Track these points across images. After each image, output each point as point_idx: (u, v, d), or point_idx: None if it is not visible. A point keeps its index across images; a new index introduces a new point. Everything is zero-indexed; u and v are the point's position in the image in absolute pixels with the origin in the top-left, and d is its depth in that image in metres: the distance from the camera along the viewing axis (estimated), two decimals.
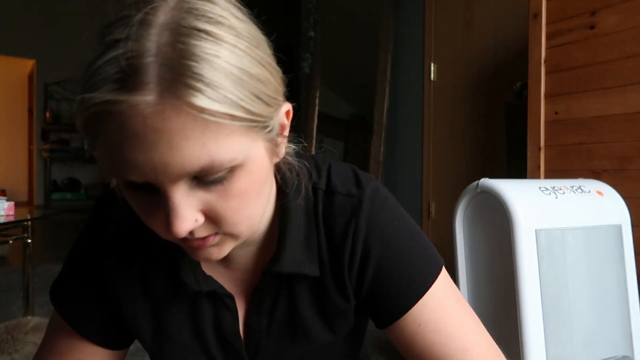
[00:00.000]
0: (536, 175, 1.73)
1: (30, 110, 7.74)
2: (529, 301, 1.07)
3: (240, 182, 0.43)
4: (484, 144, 2.84)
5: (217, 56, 0.38)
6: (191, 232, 0.44)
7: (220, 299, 0.56)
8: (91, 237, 0.59)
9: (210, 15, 0.40)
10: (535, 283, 1.08)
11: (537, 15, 1.74)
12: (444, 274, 0.58)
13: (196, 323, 0.57)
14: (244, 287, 0.58)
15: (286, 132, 0.50)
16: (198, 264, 0.56)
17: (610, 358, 1.14)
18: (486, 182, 1.16)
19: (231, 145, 0.40)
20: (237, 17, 0.42)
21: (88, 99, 0.38)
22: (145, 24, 0.38)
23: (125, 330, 0.60)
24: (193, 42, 0.38)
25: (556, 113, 1.70)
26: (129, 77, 0.37)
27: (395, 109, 3.35)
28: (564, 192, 1.20)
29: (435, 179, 3.16)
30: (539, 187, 1.19)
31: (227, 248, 0.48)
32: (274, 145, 0.47)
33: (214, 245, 0.47)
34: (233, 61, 0.39)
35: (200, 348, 0.58)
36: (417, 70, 3.24)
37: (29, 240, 1.91)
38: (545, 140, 1.73)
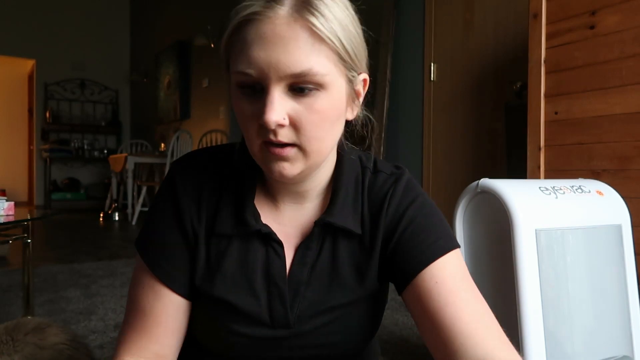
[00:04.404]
0: (536, 175, 1.73)
1: (30, 110, 7.74)
2: (529, 301, 1.06)
3: (322, 102, 0.55)
4: (484, 144, 2.84)
5: (331, 6, 0.55)
6: (276, 134, 0.55)
7: (272, 244, 0.65)
8: (169, 191, 0.67)
9: None
10: (535, 283, 1.08)
11: (537, 15, 1.73)
12: (460, 254, 0.66)
13: (248, 261, 0.65)
14: (294, 240, 0.67)
15: (361, 99, 0.64)
16: (258, 212, 0.65)
17: (610, 358, 1.14)
18: (486, 182, 1.16)
19: (326, 63, 0.54)
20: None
21: (242, 8, 0.55)
22: None
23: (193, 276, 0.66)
24: None
25: (556, 113, 1.70)
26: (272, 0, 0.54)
27: (395, 109, 3.35)
28: (564, 192, 1.20)
29: (435, 179, 3.16)
30: (539, 187, 1.19)
31: (296, 167, 0.58)
32: (351, 94, 0.61)
33: (288, 160, 0.57)
34: (340, 15, 0.56)
35: (247, 284, 0.64)
36: (417, 70, 3.23)
37: (29, 240, 1.91)
38: (545, 140, 1.73)
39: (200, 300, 0.66)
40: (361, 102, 0.65)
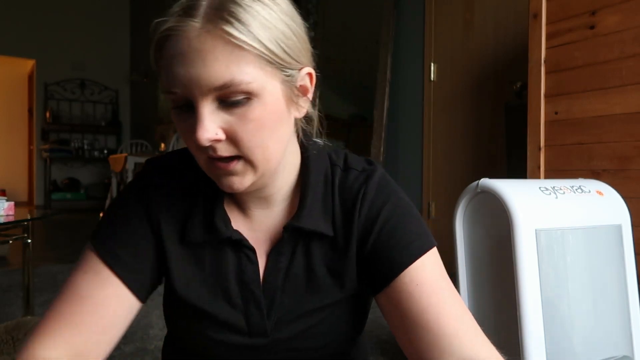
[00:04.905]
0: (536, 175, 1.73)
1: (30, 110, 7.74)
2: (529, 301, 1.06)
3: (256, 110, 0.53)
4: (484, 144, 2.84)
5: (250, 8, 0.52)
6: (215, 150, 0.54)
7: (244, 251, 0.63)
8: (140, 186, 0.66)
9: None
10: (535, 283, 1.08)
11: (537, 15, 1.73)
12: (436, 252, 0.64)
13: (221, 269, 0.64)
14: (265, 246, 0.65)
15: (309, 95, 0.60)
16: (229, 219, 0.63)
17: (610, 358, 1.14)
18: (486, 182, 1.16)
19: (249, 70, 0.52)
20: None
21: (159, 24, 0.53)
22: None
23: (153, 276, 0.65)
24: None
25: (556, 113, 1.70)
26: (186, 11, 0.52)
27: (395, 109, 3.35)
28: (564, 192, 1.20)
29: (435, 179, 3.16)
30: (539, 187, 1.18)
31: (246, 180, 0.57)
32: (292, 94, 0.57)
33: (236, 174, 0.56)
34: (263, 15, 0.52)
35: (221, 292, 0.64)
36: (417, 70, 3.23)
37: (29, 240, 1.91)
38: (545, 140, 1.73)
39: (177, 306, 0.65)
40: (310, 97, 0.61)
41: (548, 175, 1.72)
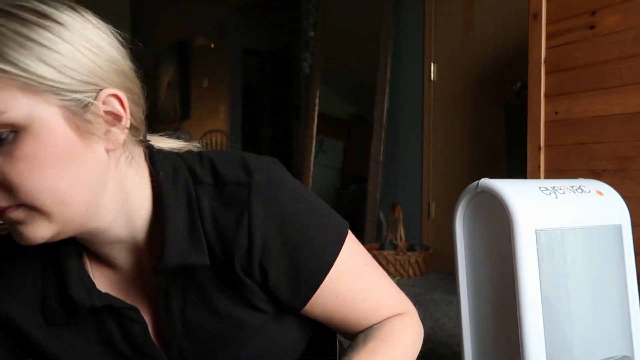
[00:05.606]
0: (536, 175, 1.73)
1: None
2: (529, 301, 1.07)
3: (25, 146, 0.44)
4: (484, 144, 2.84)
5: (5, 26, 0.43)
6: None
7: (122, 313, 0.55)
8: None
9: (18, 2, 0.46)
10: (535, 283, 1.08)
11: (537, 15, 1.73)
12: (350, 239, 0.59)
13: (106, 340, 0.56)
14: (149, 296, 0.57)
15: (124, 122, 0.50)
16: (92, 281, 0.55)
17: (610, 358, 1.14)
18: (486, 182, 1.16)
19: (3, 99, 0.43)
20: (60, 11, 0.47)
21: None
22: None
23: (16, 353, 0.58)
24: None
25: (556, 113, 1.70)
26: None
27: (395, 109, 3.35)
28: (564, 192, 1.20)
29: (435, 179, 3.16)
30: (539, 187, 1.19)
31: (41, 229, 0.47)
32: (84, 121, 0.47)
33: (24, 224, 0.47)
34: (18, 29, 0.44)
35: (118, 359, 0.57)
36: (417, 70, 3.24)
37: None
38: (545, 140, 1.73)
39: None
40: (127, 124, 0.50)
41: (548, 175, 1.72)
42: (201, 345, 0.57)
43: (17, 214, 0.46)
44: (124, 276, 0.57)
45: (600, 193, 1.26)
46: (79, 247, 0.56)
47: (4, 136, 0.44)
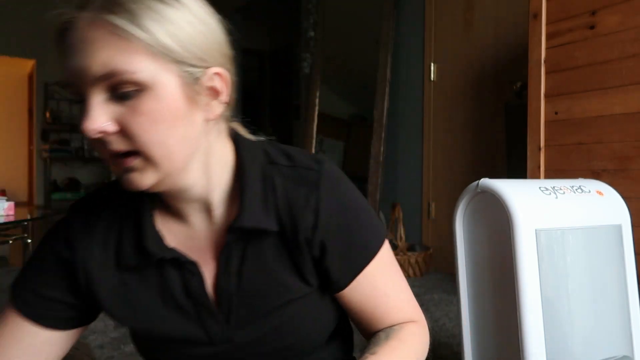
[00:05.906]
0: (536, 175, 1.73)
1: (30, 110, 7.74)
2: (529, 301, 1.07)
3: (147, 103, 0.52)
4: (484, 144, 2.84)
5: (142, 2, 0.51)
6: (109, 143, 0.53)
7: (184, 265, 0.62)
8: (64, 229, 0.65)
9: None
10: (535, 283, 1.08)
11: (537, 15, 1.73)
12: (386, 242, 0.68)
13: (166, 288, 0.63)
14: (212, 252, 0.64)
15: (222, 97, 0.58)
16: (161, 236, 0.62)
17: (610, 358, 1.14)
18: (486, 182, 1.16)
19: (135, 61, 0.51)
20: None
21: (54, 17, 0.53)
22: None
23: (83, 310, 0.66)
24: None
25: (556, 113, 1.70)
26: (81, 3, 0.52)
27: (395, 109, 3.35)
28: (564, 192, 1.20)
29: (435, 179, 3.16)
30: (539, 187, 1.19)
31: (148, 177, 0.55)
32: (194, 93, 0.55)
33: (135, 171, 0.54)
34: (158, 7, 0.52)
35: (173, 311, 0.63)
36: (417, 70, 3.24)
37: (29, 240, 1.91)
38: (545, 140, 1.73)
39: (132, 333, 0.66)
40: (225, 100, 0.59)
41: (548, 175, 1.72)
42: (250, 302, 0.63)
43: (136, 162, 0.54)
44: (190, 233, 0.64)
45: (600, 193, 1.26)
46: (153, 207, 0.64)
47: (129, 92, 0.51)
